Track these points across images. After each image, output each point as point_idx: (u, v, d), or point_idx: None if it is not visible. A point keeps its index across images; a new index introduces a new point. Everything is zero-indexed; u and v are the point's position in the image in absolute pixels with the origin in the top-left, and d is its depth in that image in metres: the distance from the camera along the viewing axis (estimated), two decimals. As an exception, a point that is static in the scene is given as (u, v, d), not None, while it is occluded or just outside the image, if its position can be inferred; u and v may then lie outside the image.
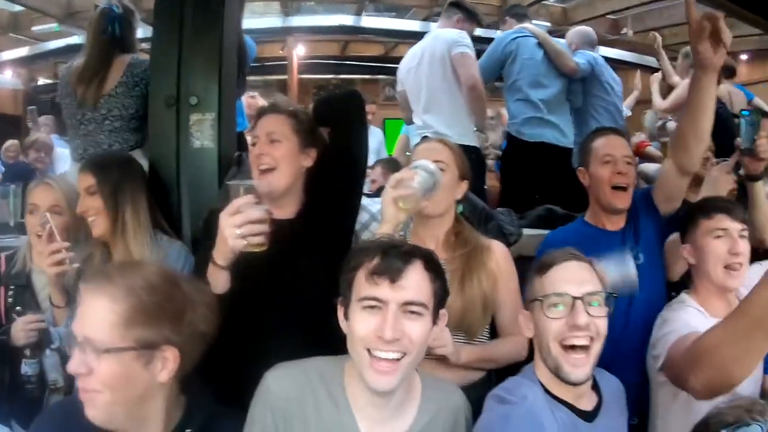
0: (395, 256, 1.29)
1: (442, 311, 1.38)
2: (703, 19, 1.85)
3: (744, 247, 1.90)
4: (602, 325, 1.42)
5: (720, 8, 2.86)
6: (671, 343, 1.72)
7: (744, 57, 5.74)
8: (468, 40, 3.60)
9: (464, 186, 1.97)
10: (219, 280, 1.57)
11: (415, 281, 1.29)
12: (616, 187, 2.14)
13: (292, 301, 1.74)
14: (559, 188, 3.34)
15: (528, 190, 3.63)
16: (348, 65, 9.43)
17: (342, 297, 1.36)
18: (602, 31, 4.58)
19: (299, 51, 8.16)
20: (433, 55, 3.58)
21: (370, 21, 7.52)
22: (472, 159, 2.33)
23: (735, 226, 1.91)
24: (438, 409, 1.44)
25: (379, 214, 2.06)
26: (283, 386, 1.36)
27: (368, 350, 1.26)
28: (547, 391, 1.44)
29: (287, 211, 1.85)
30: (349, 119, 1.97)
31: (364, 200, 2.34)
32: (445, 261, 1.79)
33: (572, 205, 2.85)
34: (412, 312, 1.28)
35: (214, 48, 2.38)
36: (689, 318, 1.83)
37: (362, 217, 2.35)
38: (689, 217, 2.01)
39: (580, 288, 1.41)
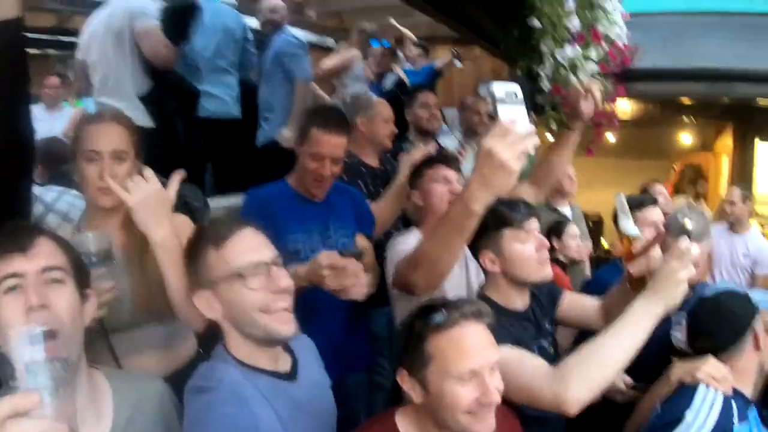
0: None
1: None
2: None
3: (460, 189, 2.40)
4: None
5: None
6: (398, 261, 2.14)
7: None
8: (150, 7, 3.27)
9: (137, 164, 1.93)
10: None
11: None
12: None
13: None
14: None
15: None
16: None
17: None
18: (288, 12, 4.75)
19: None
20: (114, 27, 3.27)
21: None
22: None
23: (453, 175, 2.42)
24: (137, 401, 1.40)
25: (56, 204, 1.90)
26: None
27: None
28: (243, 365, 1.46)
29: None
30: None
31: (36, 190, 2.11)
32: (124, 246, 1.76)
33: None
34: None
35: None
36: (412, 241, 2.26)
37: (36, 209, 2.12)
38: (416, 170, 2.53)
39: (269, 253, 1.49)
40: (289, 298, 1.47)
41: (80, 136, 1.86)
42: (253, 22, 4.58)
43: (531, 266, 1.99)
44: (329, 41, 7.10)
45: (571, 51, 2.92)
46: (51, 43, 8.00)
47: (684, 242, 1.63)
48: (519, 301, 2.06)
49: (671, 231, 2.42)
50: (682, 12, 7.49)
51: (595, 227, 7.23)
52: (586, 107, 2.35)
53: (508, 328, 1.91)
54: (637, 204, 3.14)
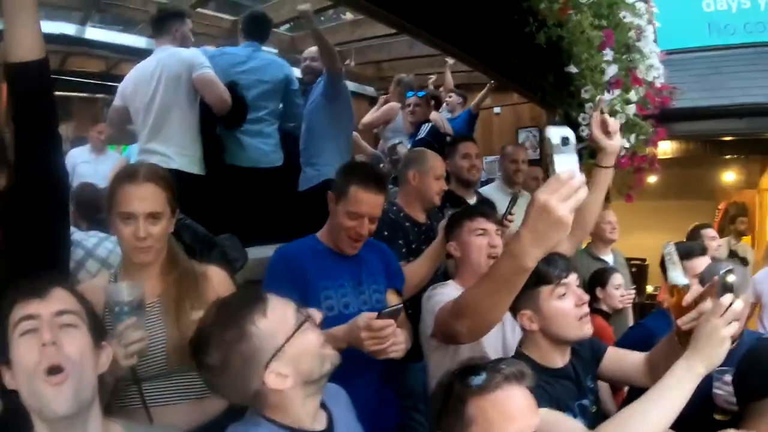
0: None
1: None
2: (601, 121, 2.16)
3: (499, 241, 2.45)
4: None
5: (434, 47, 3.27)
6: (437, 311, 2.10)
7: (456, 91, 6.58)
8: (204, 59, 3.49)
9: (175, 218, 1.95)
10: None
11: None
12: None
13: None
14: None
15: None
16: (66, 80, 8.50)
17: None
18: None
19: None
20: (169, 75, 3.41)
21: (95, 33, 6.77)
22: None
23: (491, 227, 2.44)
24: None
25: (96, 250, 1.92)
26: None
27: None
28: (282, 426, 1.44)
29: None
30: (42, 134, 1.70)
31: (77, 235, 2.16)
32: (161, 294, 1.77)
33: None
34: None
35: None
36: (450, 292, 2.24)
37: (76, 254, 2.16)
38: (455, 221, 2.53)
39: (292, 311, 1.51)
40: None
41: (115, 195, 1.84)
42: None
43: (570, 324, 1.91)
44: (368, 89, 7.23)
45: (609, 96, 2.89)
46: (99, 88, 8.38)
47: (727, 298, 1.56)
48: (559, 359, 1.97)
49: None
50: (717, 47, 7.43)
51: (638, 272, 7.07)
52: (603, 138, 2.23)
53: (546, 388, 1.84)
54: (685, 253, 3.04)
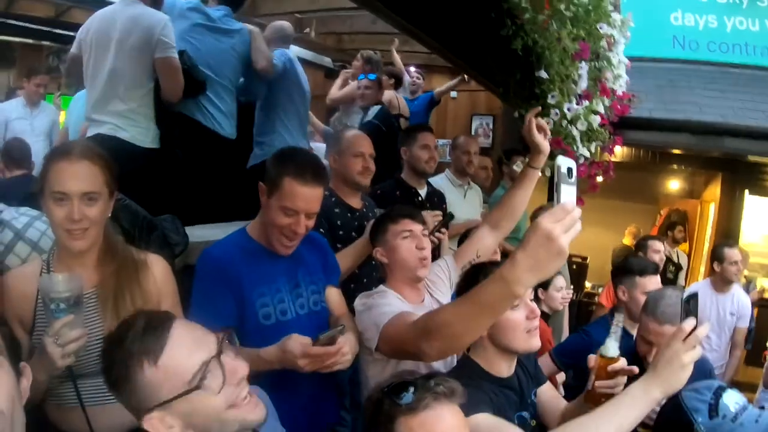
0: None
1: None
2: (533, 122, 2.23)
3: (427, 243, 2.32)
4: None
5: (398, 27, 3.17)
6: (385, 324, 1.96)
7: (412, 69, 6.48)
8: (172, 37, 3.27)
9: (113, 200, 1.81)
10: None
11: None
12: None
13: None
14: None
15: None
16: (10, 25, 7.99)
17: None
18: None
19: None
20: (132, 43, 3.19)
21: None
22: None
23: (418, 228, 2.31)
24: None
25: (27, 231, 1.78)
26: None
27: None
28: None
29: None
30: None
31: (5, 213, 1.99)
32: (98, 285, 1.66)
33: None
34: None
35: None
36: (393, 302, 2.13)
37: (4, 235, 1.98)
38: (378, 225, 2.38)
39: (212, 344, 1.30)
40: (247, 383, 1.29)
41: (47, 173, 1.70)
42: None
43: (519, 336, 1.90)
44: (326, 60, 7.08)
45: (578, 106, 2.86)
46: (46, 35, 7.90)
47: (689, 323, 1.53)
48: (505, 368, 1.96)
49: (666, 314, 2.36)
50: (678, 60, 7.56)
51: (578, 269, 7.22)
52: (542, 142, 2.23)
53: (490, 394, 1.83)
54: (640, 270, 3.09)
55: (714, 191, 8.41)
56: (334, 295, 2.32)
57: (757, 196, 7.78)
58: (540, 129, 2.23)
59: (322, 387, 2.21)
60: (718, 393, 1.74)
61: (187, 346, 1.21)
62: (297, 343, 1.78)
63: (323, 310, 2.23)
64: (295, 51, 4.91)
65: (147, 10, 3.28)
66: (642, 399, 1.50)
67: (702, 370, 2.56)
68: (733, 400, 1.73)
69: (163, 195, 2.79)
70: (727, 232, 7.64)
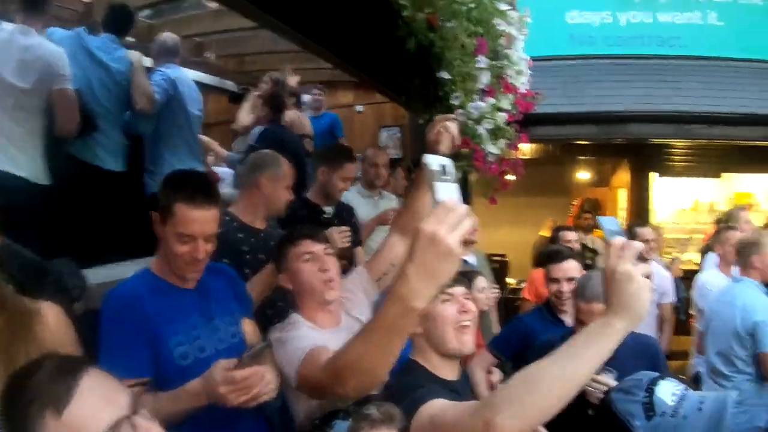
0: None
1: None
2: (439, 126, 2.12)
3: (332, 263, 2.15)
4: None
5: (299, 44, 3.11)
6: (300, 362, 1.84)
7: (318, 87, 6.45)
8: (68, 68, 3.13)
9: None
10: None
11: None
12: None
13: None
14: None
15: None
16: None
17: None
18: (186, 52, 4.54)
19: None
20: (27, 73, 2.99)
21: None
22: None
23: (320, 249, 2.16)
24: None
25: None
26: None
27: None
28: None
29: None
30: None
31: None
32: None
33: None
34: None
35: None
36: (306, 334, 1.99)
37: None
38: (279, 249, 2.21)
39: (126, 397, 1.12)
40: None
41: None
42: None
43: (449, 330, 1.86)
44: (228, 83, 6.93)
45: (483, 103, 2.87)
46: None
47: (618, 240, 1.31)
48: (448, 372, 1.92)
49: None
50: (580, 56, 7.89)
51: (500, 268, 7.33)
52: (445, 144, 2.13)
53: (440, 392, 1.73)
54: (552, 256, 3.15)
55: (623, 177, 8.83)
56: (249, 329, 2.19)
57: (665, 177, 8.25)
58: (445, 132, 2.13)
59: (253, 419, 2.09)
60: (649, 389, 1.62)
61: (98, 400, 1.02)
62: (218, 368, 1.66)
63: (242, 342, 2.11)
64: (196, 76, 4.75)
65: (45, 42, 3.14)
66: (602, 332, 1.27)
67: (651, 352, 2.61)
68: (668, 391, 1.61)
69: (56, 236, 2.59)
70: (639, 214, 8.02)
